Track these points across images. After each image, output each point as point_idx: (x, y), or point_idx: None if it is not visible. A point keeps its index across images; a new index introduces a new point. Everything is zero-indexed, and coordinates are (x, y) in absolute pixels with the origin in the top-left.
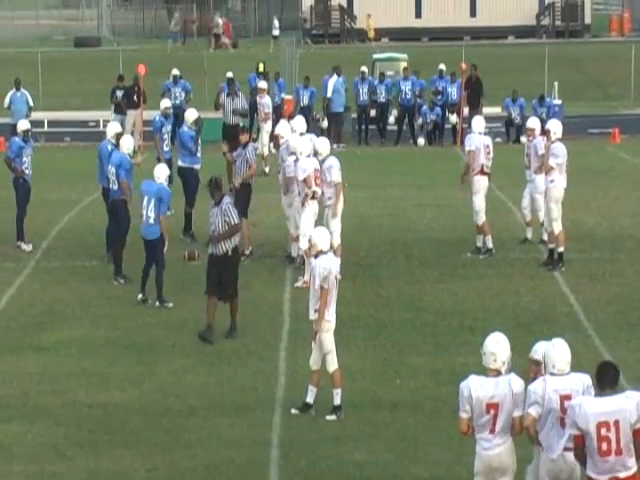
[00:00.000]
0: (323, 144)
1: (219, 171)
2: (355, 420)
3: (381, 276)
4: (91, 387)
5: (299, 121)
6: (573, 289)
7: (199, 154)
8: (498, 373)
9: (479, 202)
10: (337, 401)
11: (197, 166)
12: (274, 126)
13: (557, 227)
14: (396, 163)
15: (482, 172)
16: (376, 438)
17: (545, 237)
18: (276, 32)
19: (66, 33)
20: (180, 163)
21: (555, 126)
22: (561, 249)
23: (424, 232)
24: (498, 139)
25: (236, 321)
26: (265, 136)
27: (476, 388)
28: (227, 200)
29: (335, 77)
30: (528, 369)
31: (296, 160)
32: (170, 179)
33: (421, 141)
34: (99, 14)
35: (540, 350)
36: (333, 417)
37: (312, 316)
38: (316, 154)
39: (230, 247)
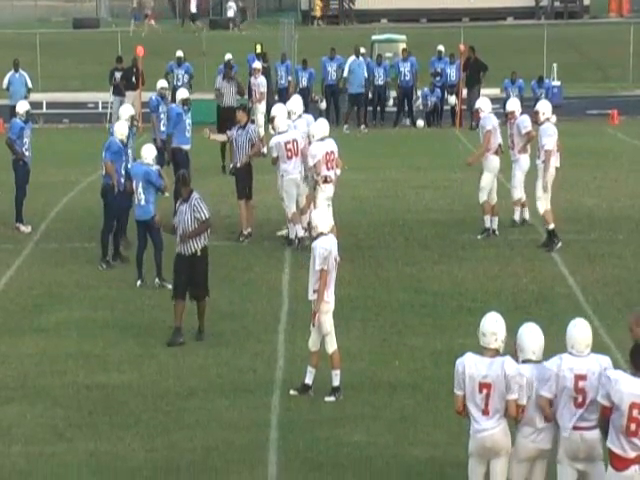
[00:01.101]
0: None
1: (213, 152)
2: (354, 401)
3: (380, 258)
4: (90, 369)
5: (296, 102)
6: (572, 270)
7: (189, 134)
8: (496, 353)
9: (488, 180)
10: (336, 382)
11: (186, 147)
12: (270, 107)
13: (542, 207)
14: (395, 145)
15: (496, 152)
16: (375, 419)
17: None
18: (231, 13)
19: (65, 14)
20: (174, 145)
21: (544, 107)
22: (551, 226)
23: (423, 214)
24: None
25: (204, 323)
26: (260, 117)
27: (470, 365)
28: (196, 195)
29: (353, 57)
30: (512, 350)
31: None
32: (163, 160)
33: (420, 123)
34: None
35: (519, 333)
36: (332, 398)
37: (311, 296)
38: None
39: (199, 246)
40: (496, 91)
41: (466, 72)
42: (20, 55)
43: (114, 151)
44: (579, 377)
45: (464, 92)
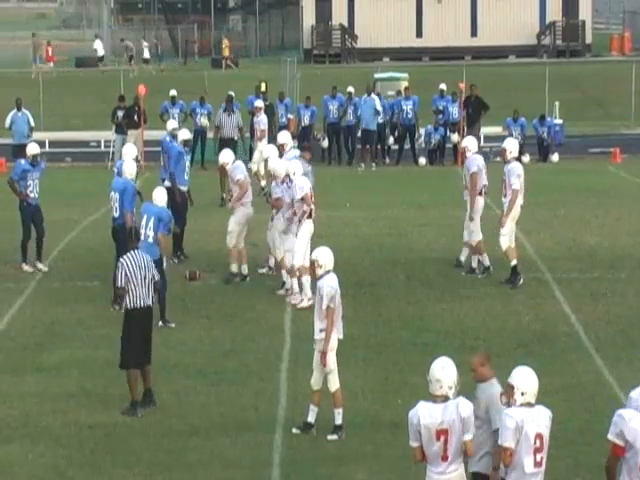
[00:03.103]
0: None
1: (214, 189)
2: (356, 440)
3: (382, 296)
4: (92, 407)
5: (269, 148)
6: (574, 309)
7: (187, 176)
8: (446, 398)
9: (475, 222)
10: (338, 421)
11: (184, 187)
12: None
13: (505, 243)
14: (397, 183)
15: (481, 193)
16: (377, 458)
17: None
18: (146, 55)
19: (67, 53)
20: (167, 183)
21: (511, 145)
22: (514, 262)
23: (425, 252)
24: (499, 158)
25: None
26: (257, 154)
27: (424, 415)
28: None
29: (365, 95)
30: (505, 392)
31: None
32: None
33: (422, 161)
34: (100, 34)
35: (514, 375)
36: (334, 437)
37: (317, 335)
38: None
39: (151, 302)
40: (498, 129)
41: (466, 110)
42: (22, 94)
43: (131, 194)
44: None
45: (466, 130)
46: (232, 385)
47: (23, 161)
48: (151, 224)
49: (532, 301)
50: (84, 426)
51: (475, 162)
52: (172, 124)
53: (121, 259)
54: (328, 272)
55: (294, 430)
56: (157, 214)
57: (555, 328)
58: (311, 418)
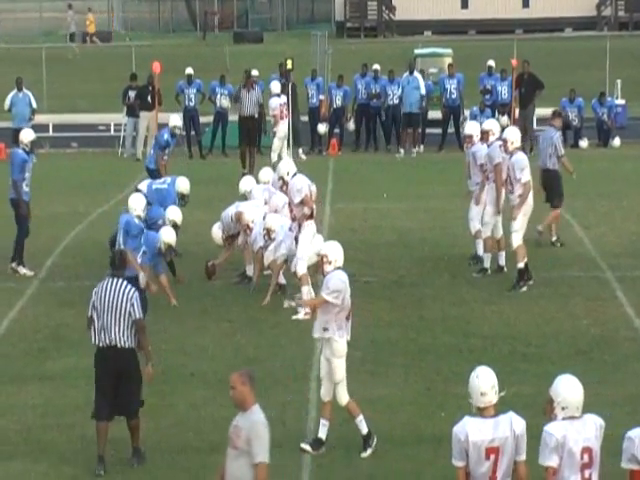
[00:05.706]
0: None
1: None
2: (394, 457)
3: (423, 296)
4: None
5: (266, 171)
6: (638, 311)
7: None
8: (495, 411)
9: (492, 214)
10: (364, 429)
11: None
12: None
13: (517, 241)
14: (440, 171)
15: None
16: (417, 477)
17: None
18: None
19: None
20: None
21: (513, 135)
22: (521, 265)
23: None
24: None
25: (139, 441)
26: (276, 142)
27: (474, 432)
28: None
29: (406, 74)
30: (546, 407)
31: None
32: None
33: None
34: (110, 6)
35: (554, 386)
36: (367, 452)
37: (318, 334)
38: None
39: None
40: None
41: (519, 89)
42: (24, 72)
43: (134, 235)
44: None
45: (517, 112)
46: (256, 396)
47: (20, 151)
48: (121, 238)
49: (591, 303)
50: (92, 442)
51: (498, 151)
52: (175, 121)
53: (95, 288)
54: (338, 269)
55: (302, 445)
56: (125, 226)
57: (617, 333)
58: (322, 434)
